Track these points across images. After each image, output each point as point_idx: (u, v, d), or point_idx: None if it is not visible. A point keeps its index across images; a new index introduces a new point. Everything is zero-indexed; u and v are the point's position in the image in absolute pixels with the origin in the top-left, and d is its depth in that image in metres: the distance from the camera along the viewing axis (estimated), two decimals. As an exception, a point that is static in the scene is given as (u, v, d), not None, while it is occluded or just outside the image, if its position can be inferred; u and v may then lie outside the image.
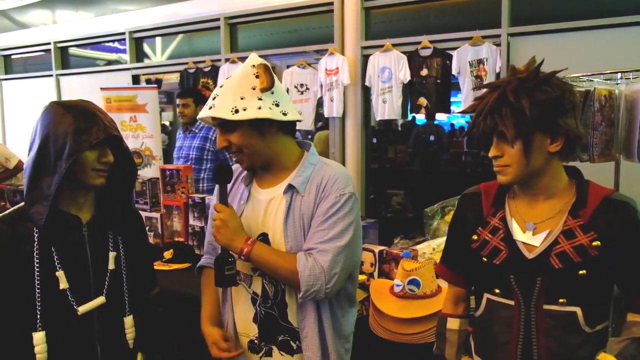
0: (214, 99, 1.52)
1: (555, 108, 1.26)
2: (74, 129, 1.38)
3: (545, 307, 1.31)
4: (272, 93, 1.52)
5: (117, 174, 1.53)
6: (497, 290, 1.38)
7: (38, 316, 1.40)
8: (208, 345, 1.63)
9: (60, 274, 1.43)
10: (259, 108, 1.48)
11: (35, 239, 1.42)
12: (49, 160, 1.38)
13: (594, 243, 1.27)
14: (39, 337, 1.40)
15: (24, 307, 1.40)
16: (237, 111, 1.47)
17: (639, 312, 1.32)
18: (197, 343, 2.57)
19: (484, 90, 1.35)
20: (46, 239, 1.43)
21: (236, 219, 1.55)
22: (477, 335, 1.51)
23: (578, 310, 1.29)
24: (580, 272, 1.27)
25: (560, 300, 1.30)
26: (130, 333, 1.58)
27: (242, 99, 1.49)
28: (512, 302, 1.36)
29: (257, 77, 1.51)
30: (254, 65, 1.53)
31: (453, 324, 1.56)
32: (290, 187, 1.56)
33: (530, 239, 1.34)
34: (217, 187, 1.64)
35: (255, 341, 1.64)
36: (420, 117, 7.13)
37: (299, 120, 1.62)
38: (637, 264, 1.29)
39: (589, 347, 1.30)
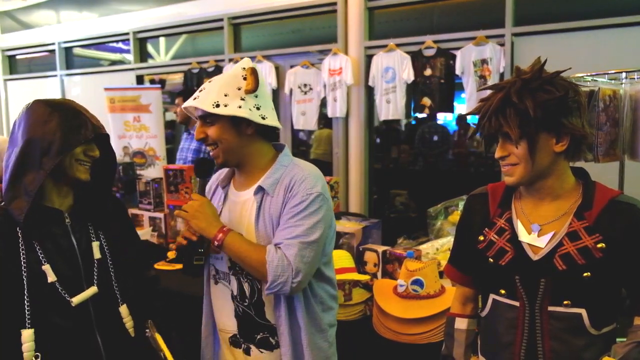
0: (200, 91, 1.58)
1: (559, 108, 1.26)
2: (63, 128, 1.39)
3: (550, 308, 1.31)
4: (256, 97, 1.58)
5: (99, 169, 1.55)
6: (503, 291, 1.38)
7: (27, 313, 1.40)
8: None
9: (46, 267, 1.43)
10: (239, 107, 1.54)
11: (19, 236, 1.42)
12: (33, 157, 1.39)
13: (599, 245, 1.26)
14: (27, 335, 1.39)
15: (15, 306, 1.40)
16: (217, 105, 1.53)
17: None
18: (199, 340, 2.56)
19: (489, 91, 1.35)
20: (30, 235, 1.43)
21: (212, 207, 1.60)
22: (483, 336, 1.51)
23: (583, 312, 1.29)
24: (585, 274, 1.26)
25: (565, 302, 1.29)
26: (128, 322, 1.59)
27: (225, 95, 1.55)
28: (517, 304, 1.36)
29: (244, 78, 1.57)
30: (244, 68, 1.59)
31: (461, 323, 1.56)
32: (260, 189, 1.60)
33: (536, 240, 1.34)
34: (198, 180, 1.67)
35: (237, 336, 1.69)
36: (424, 117, 7.12)
37: (278, 128, 1.65)
38: None
39: (595, 349, 1.29)
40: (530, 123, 1.25)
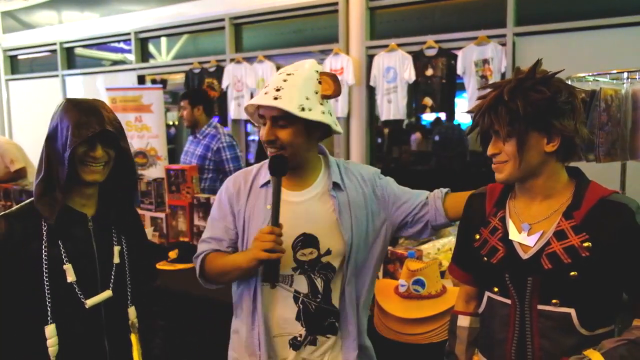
0: (278, 90, 1.51)
1: (549, 108, 1.27)
2: (75, 122, 1.42)
3: (540, 307, 1.32)
4: (327, 102, 1.58)
5: (120, 172, 1.56)
6: (496, 289, 1.40)
7: (49, 309, 1.43)
8: (258, 246, 1.49)
9: (67, 267, 1.45)
10: (323, 112, 1.54)
11: (44, 234, 1.45)
12: (57, 152, 1.43)
13: (585, 244, 1.26)
14: (50, 330, 1.43)
15: (34, 301, 1.43)
16: (303, 109, 1.50)
17: None
18: (201, 341, 2.58)
19: (488, 90, 1.36)
20: (54, 234, 1.45)
21: None
22: (480, 333, 1.53)
23: (572, 311, 1.29)
24: (572, 273, 1.26)
25: (554, 301, 1.30)
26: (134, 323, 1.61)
27: (307, 99, 1.52)
28: (508, 301, 1.37)
29: (319, 82, 1.56)
30: (317, 71, 1.59)
31: (463, 321, 1.57)
32: (335, 185, 1.65)
33: (525, 239, 1.35)
34: (271, 179, 1.57)
35: (299, 338, 1.65)
36: (428, 117, 7.12)
37: (340, 133, 1.67)
38: (635, 269, 1.28)
39: (587, 349, 1.29)
40: (519, 121, 1.27)
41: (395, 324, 2.03)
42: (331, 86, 1.54)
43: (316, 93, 1.54)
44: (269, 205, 1.58)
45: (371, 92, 4.68)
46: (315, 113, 1.51)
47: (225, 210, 1.69)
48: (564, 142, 1.30)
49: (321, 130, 1.59)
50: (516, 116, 1.26)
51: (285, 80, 1.53)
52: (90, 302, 1.48)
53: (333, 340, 1.67)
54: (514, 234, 1.37)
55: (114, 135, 1.48)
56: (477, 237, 1.45)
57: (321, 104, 1.54)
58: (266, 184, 1.65)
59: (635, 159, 2.30)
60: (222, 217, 1.69)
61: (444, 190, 1.73)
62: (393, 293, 2.16)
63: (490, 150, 1.35)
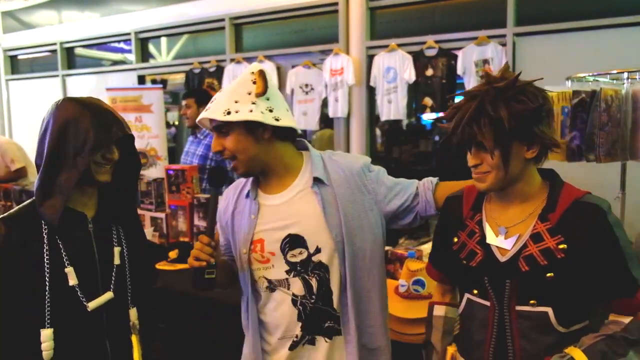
0: (212, 102, 1.56)
1: (532, 118, 1.28)
2: (96, 126, 1.39)
3: (518, 308, 1.34)
4: (268, 99, 1.55)
5: (123, 171, 1.55)
6: (475, 291, 1.42)
7: (47, 313, 1.41)
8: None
9: (69, 270, 1.43)
10: (251, 111, 1.51)
11: (45, 236, 1.43)
12: (67, 155, 1.39)
13: (561, 246, 1.28)
14: (46, 334, 1.40)
15: (34, 305, 1.41)
16: (229, 113, 1.50)
17: (619, 314, 1.33)
18: (201, 341, 2.58)
19: (461, 98, 1.35)
20: (54, 236, 1.43)
21: None
22: (460, 334, 1.54)
23: (549, 310, 1.31)
24: (548, 274, 1.28)
25: (531, 302, 1.32)
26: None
27: (236, 102, 1.52)
28: (488, 303, 1.39)
29: (254, 83, 1.54)
30: (252, 72, 1.56)
31: (439, 310, 1.61)
32: (317, 180, 1.60)
33: (502, 242, 1.37)
34: (212, 191, 1.63)
35: (295, 339, 1.65)
36: (428, 117, 7.11)
37: (294, 129, 1.61)
38: (610, 267, 1.29)
39: (565, 347, 1.31)
40: (504, 133, 1.27)
41: (395, 324, 2.03)
42: (260, 84, 1.52)
43: (249, 94, 1.53)
44: (253, 215, 1.62)
45: (371, 92, 4.68)
46: (241, 113, 1.50)
47: (218, 222, 1.75)
48: (542, 148, 1.32)
49: (270, 130, 1.55)
50: (500, 128, 1.26)
51: (220, 92, 1.58)
52: (92, 305, 1.46)
53: (334, 343, 1.64)
54: (491, 238, 1.39)
55: (133, 137, 1.48)
56: (456, 240, 1.46)
57: (253, 102, 1.52)
58: (247, 194, 1.66)
59: (635, 159, 2.31)
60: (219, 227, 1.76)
61: (434, 180, 1.70)
62: (393, 293, 2.16)
63: (471, 162, 1.36)
